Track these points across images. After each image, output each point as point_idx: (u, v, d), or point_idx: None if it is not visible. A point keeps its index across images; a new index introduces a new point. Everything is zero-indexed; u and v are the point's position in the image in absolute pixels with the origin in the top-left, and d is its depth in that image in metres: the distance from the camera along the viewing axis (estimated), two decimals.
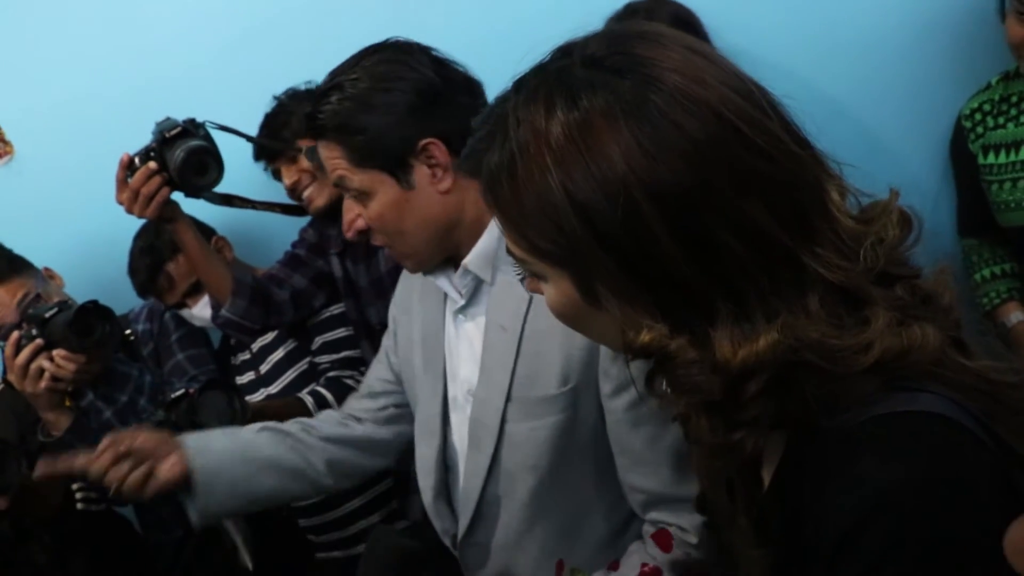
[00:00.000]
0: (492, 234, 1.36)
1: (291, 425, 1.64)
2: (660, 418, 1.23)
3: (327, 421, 1.69)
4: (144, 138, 2.00)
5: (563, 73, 0.78)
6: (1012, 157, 1.96)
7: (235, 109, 2.14)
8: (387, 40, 1.39)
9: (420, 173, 1.35)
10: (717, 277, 0.75)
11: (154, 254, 2.28)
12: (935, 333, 0.76)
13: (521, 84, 0.82)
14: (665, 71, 0.75)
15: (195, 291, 2.30)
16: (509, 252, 0.86)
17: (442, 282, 1.44)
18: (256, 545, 2.33)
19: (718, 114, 0.74)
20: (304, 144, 2.14)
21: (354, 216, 1.43)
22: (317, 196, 2.18)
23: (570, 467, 1.35)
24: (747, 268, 0.74)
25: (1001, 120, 1.98)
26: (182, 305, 2.34)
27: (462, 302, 1.43)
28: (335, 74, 1.37)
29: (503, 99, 0.83)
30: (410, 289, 1.57)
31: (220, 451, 1.56)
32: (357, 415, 1.68)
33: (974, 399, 0.76)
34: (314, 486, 1.63)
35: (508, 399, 1.35)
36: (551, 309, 0.87)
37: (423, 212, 1.36)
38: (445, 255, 1.42)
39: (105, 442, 1.53)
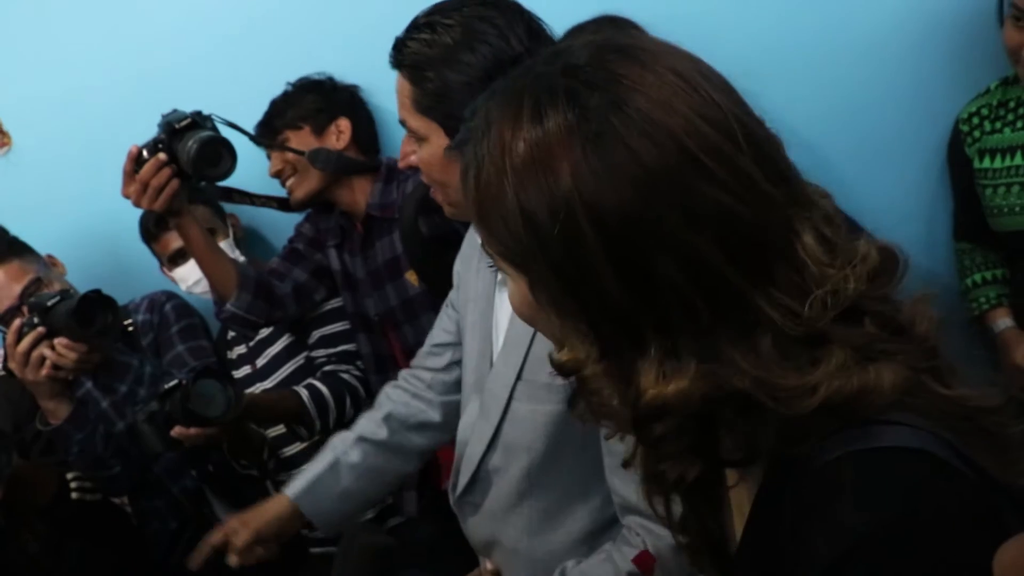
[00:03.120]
0: None
1: (382, 430, 1.71)
2: None
3: (399, 402, 1.73)
4: (143, 129, 2.00)
5: (541, 80, 0.78)
6: (1007, 162, 1.98)
7: (234, 101, 2.15)
8: None
9: None
10: (652, 308, 0.73)
11: None
12: (894, 371, 0.73)
13: (505, 85, 0.81)
14: (634, 92, 0.73)
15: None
16: (481, 245, 0.88)
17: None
18: None
19: (679, 143, 0.72)
20: (289, 135, 2.17)
21: (409, 151, 1.42)
22: (297, 188, 2.19)
23: (562, 456, 1.37)
24: (687, 304, 0.72)
25: (998, 125, 2.00)
26: (174, 263, 2.35)
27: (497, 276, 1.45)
28: (435, 10, 1.36)
29: (491, 94, 0.83)
30: (473, 246, 1.56)
31: (329, 510, 1.72)
32: (422, 377, 1.73)
33: (950, 426, 0.73)
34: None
35: (519, 377, 1.37)
36: (512, 305, 0.88)
37: (449, 170, 1.34)
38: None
39: (228, 530, 1.69)
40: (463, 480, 1.50)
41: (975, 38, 2.07)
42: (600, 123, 0.73)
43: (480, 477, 1.47)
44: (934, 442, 0.71)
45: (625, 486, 1.29)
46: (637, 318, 0.73)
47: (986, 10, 1.96)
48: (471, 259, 1.57)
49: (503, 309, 1.45)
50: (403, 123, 1.39)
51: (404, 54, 1.34)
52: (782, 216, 0.74)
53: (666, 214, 0.71)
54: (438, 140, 1.34)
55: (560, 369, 0.80)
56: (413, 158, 1.41)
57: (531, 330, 1.33)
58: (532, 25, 1.34)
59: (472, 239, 1.60)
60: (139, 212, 2.31)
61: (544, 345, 1.30)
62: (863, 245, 0.77)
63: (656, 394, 0.73)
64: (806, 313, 0.72)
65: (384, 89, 2.20)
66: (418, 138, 1.37)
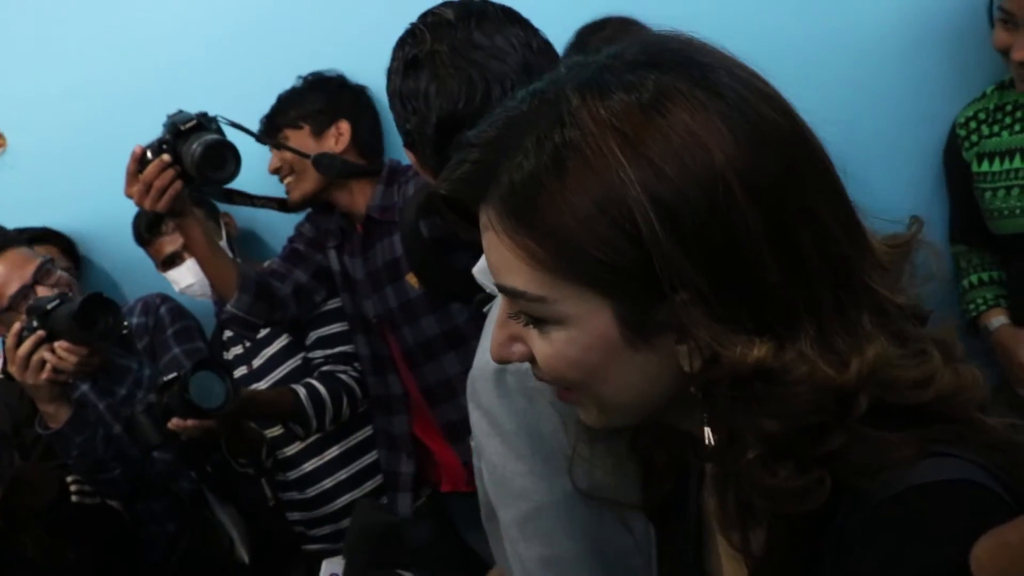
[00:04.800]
0: None
1: None
2: (509, 536, 1.08)
3: None
4: (139, 130, 1.99)
5: (609, 71, 0.69)
6: (1006, 165, 1.99)
7: (230, 101, 2.13)
8: None
9: None
10: (804, 286, 0.67)
11: None
12: (981, 375, 0.70)
13: (545, 90, 0.71)
14: (726, 68, 0.69)
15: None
16: (510, 293, 0.73)
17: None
18: (251, 538, 2.34)
19: (792, 112, 0.69)
20: (288, 134, 2.16)
21: None
22: (295, 188, 2.19)
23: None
24: (825, 279, 0.68)
25: (996, 128, 2.02)
26: (167, 266, 2.34)
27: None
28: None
29: (511, 108, 0.72)
30: None
31: None
32: None
33: (995, 460, 0.70)
34: None
35: None
36: (558, 362, 0.73)
37: None
38: None
39: None
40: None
41: (970, 42, 2.08)
42: (724, 92, 0.67)
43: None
44: (986, 476, 0.68)
45: None
46: (793, 299, 0.67)
47: (981, 14, 1.98)
48: None
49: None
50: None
51: None
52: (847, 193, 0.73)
53: (803, 181, 0.68)
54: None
55: (759, 367, 0.66)
56: None
57: None
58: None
59: None
60: (134, 213, 2.32)
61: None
62: (904, 234, 0.76)
63: (861, 364, 0.66)
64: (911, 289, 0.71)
65: None
66: None
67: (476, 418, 1.08)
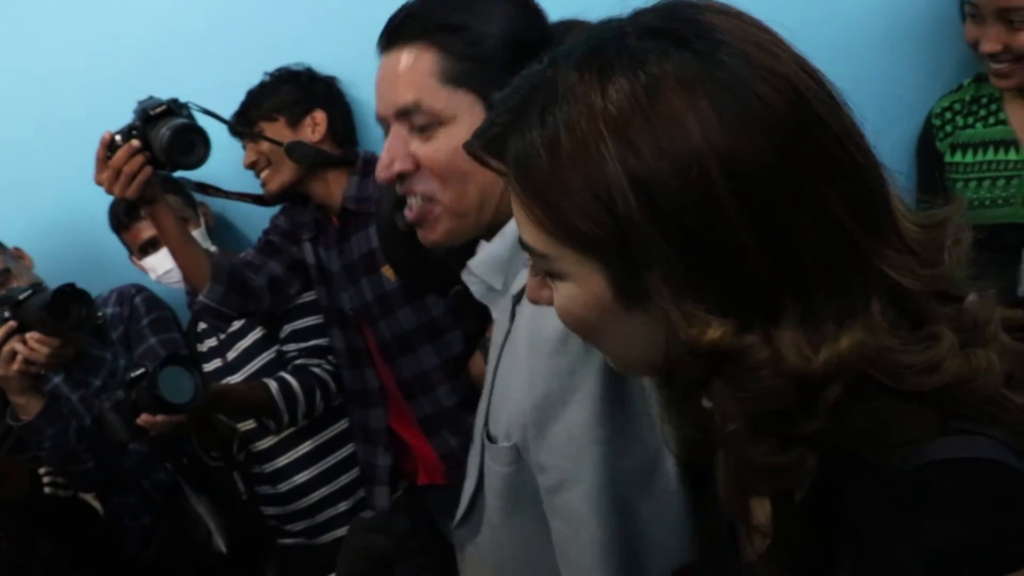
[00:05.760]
0: (504, 241, 1.18)
1: None
2: (572, 517, 1.08)
3: None
4: (113, 119, 1.97)
5: (618, 43, 0.70)
6: (980, 157, 2.00)
7: (209, 90, 2.12)
8: None
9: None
10: (789, 271, 0.67)
11: None
12: (998, 361, 0.69)
13: (561, 56, 0.73)
14: (736, 39, 0.68)
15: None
16: (525, 246, 0.77)
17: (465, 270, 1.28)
18: (227, 530, 2.34)
19: (796, 89, 0.67)
20: (264, 127, 2.14)
21: (402, 153, 1.16)
22: (271, 180, 2.17)
23: (523, 523, 1.19)
24: (820, 263, 0.67)
25: (970, 120, 2.03)
26: (144, 252, 2.33)
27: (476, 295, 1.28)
28: None
29: (539, 70, 0.74)
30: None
31: None
32: None
33: (1018, 437, 0.69)
34: None
35: (485, 424, 1.21)
36: (565, 315, 0.78)
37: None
38: (477, 232, 1.21)
39: None
40: (459, 511, 1.33)
41: (947, 35, 2.08)
42: (721, 69, 0.67)
43: (471, 512, 1.30)
44: (1010, 454, 0.68)
45: (568, 572, 1.11)
46: (775, 283, 0.67)
47: (955, 9, 1.98)
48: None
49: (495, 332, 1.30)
50: (409, 113, 1.14)
51: (418, 19, 1.14)
52: (879, 174, 0.71)
53: (799, 164, 0.67)
54: (471, 117, 1.11)
55: (713, 349, 0.68)
56: (402, 163, 1.15)
57: (491, 378, 1.20)
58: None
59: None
60: (107, 204, 2.29)
61: (497, 399, 1.17)
62: (942, 211, 0.74)
63: (831, 354, 0.66)
64: (940, 269, 0.70)
65: (362, 81, 2.21)
66: (432, 127, 1.13)
67: (547, 387, 1.06)
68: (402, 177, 1.16)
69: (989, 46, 1.85)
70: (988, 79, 2.00)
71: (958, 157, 2.04)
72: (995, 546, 0.64)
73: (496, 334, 1.22)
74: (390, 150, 1.16)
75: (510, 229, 1.17)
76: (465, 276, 1.26)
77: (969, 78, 2.06)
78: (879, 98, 2.18)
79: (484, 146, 0.78)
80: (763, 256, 0.67)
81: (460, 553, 1.37)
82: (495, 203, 1.16)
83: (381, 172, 1.17)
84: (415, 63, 1.13)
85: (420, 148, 1.14)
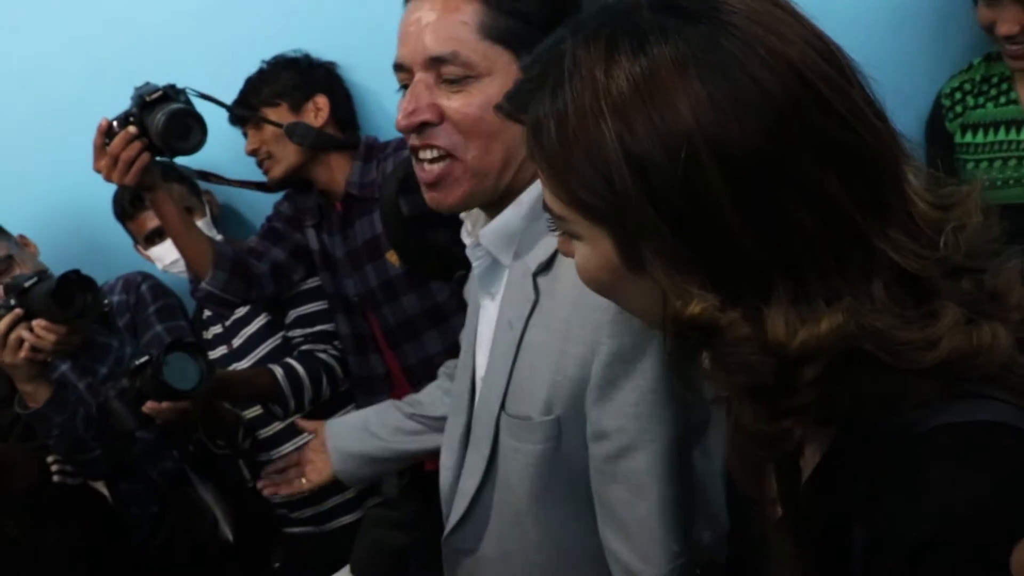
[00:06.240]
0: (518, 211, 1.17)
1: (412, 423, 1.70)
2: (637, 482, 1.08)
3: (435, 400, 1.70)
4: (112, 105, 1.96)
5: (629, 15, 0.72)
6: (991, 137, 1.99)
7: (207, 76, 2.10)
8: None
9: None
10: (779, 250, 0.69)
11: None
12: (1006, 335, 0.70)
13: (580, 26, 0.75)
14: (743, 19, 0.69)
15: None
16: (546, 208, 0.81)
17: (469, 240, 1.25)
18: (233, 517, 2.34)
19: (798, 72, 0.68)
20: (266, 113, 2.13)
21: (426, 102, 1.13)
22: (274, 166, 2.15)
23: (555, 504, 1.18)
24: (813, 244, 0.68)
25: (981, 100, 2.01)
26: (150, 242, 2.32)
27: (476, 272, 1.26)
28: None
29: (558, 40, 0.76)
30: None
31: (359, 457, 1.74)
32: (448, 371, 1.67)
33: None
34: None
35: (502, 407, 1.18)
36: (582, 273, 0.81)
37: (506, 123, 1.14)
38: (492, 197, 1.18)
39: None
40: (453, 519, 1.30)
41: (957, 15, 2.07)
42: (717, 52, 0.68)
43: (473, 515, 1.27)
44: (1020, 416, 0.68)
45: (616, 539, 1.12)
46: (765, 262, 0.69)
47: None
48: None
49: (486, 320, 1.28)
50: (435, 62, 1.11)
51: None
52: (891, 154, 0.72)
53: (792, 148, 0.68)
54: (505, 74, 1.10)
55: (689, 323, 0.71)
56: (427, 113, 1.12)
57: (512, 355, 1.17)
58: None
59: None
60: (111, 190, 2.28)
61: (524, 375, 1.16)
62: (960, 189, 0.74)
63: (808, 335, 0.68)
64: (941, 252, 0.70)
65: (361, 66, 2.19)
66: (464, 80, 1.11)
67: (618, 345, 1.06)
68: (422, 128, 1.13)
69: (1007, 28, 1.84)
70: (998, 59, 1.99)
71: (968, 137, 2.03)
72: (1000, 506, 0.64)
73: (508, 311, 1.20)
74: (414, 98, 1.12)
75: (526, 198, 1.16)
76: (470, 251, 1.24)
77: (979, 57, 2.04)
78: (887, 80, 2.17)
79: (513, 109, 0.81)
80: (752, 236, 0.68)
81: (454, 567, 1.34)
82: (517, 165, 1.15)
83: (402, 120, 1.14)
84: (456, 13, 1.10)
85: (449, 100, 1.12)
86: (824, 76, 0.69)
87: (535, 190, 1.15)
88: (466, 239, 1.27)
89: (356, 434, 1.73)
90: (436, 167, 1.15)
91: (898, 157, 0.72)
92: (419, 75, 1.13)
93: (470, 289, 1.36)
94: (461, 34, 1.10)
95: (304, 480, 1.78)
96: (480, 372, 1.27)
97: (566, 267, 0.92)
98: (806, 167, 0.68)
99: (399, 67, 1.16)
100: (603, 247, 0.76)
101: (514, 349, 1.17)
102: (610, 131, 0.70)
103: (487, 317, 1.27)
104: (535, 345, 1.15)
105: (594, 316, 1.06)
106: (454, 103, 1.12)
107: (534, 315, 1.15)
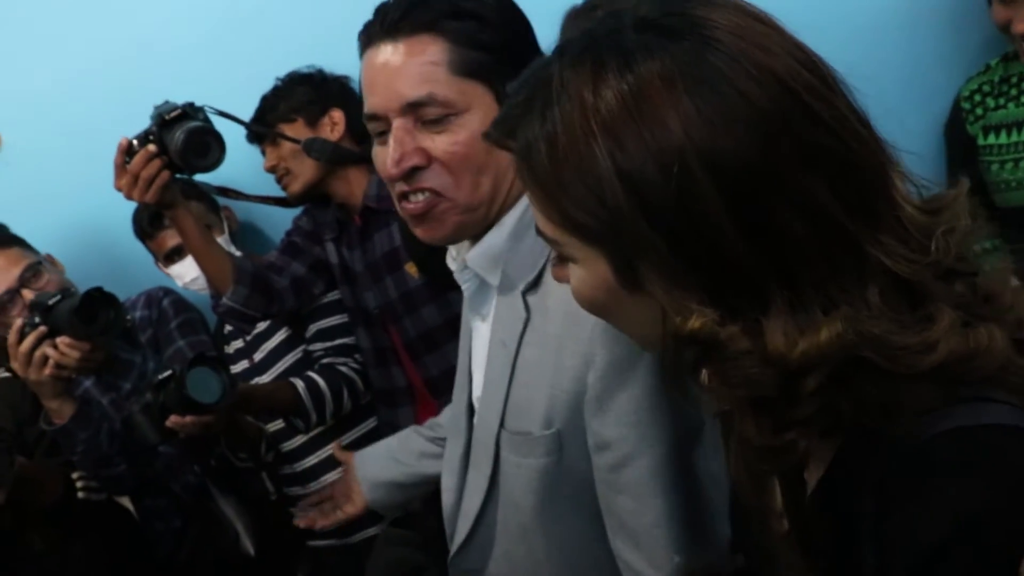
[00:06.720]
0: (501, 233, 1.18)
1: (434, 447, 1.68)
2: (642, 491, 1.09)
3: None
4: (133, 124, 1.98)
5: (614, 36, 0.73)
6: (1014, 137, 1.98)
7: (223, 95, 2.12)
8: None
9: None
10: (774, 261, 0.69)
11: None
12: (1002, 336, 0.70)
13: (565, 49, 0.76)
14: (726, 34, 0.70)
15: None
16: (539, 232, 0.81)
17: (455, 264, 1.27)
18: (255, 531, 2.34)
19: (784, 83, 0.69)
20: (282, 129, 2.14)
21: (411, 147, 1.13)
22: (293, 181, 2.17)
23: (560, 516, 1.18)
24: (807, 253, 0.69)
25: (1002, 101, 2.00)
26: (170, 260, 2.34)
27: (465, 295, 1.28)
28: None
29: (544, 64, 0.77)
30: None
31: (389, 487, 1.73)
32: None
33: None
34: None
35: (501, 424, 1.19)
36: (578, 296, 0.82)
37: (492, 154, 1.10)
38: (482, 227, 1.19)
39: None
40: (458, 539, 1.30)
41: (971, 16, 2.06)
42: (704, 67, 0.69)
43: (477, 535, 1.27)
44: (1022, 417, 0.69)
45: (627, 549, 1.12)
46: (761, 274, 0.70)
47: None
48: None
49: (479, 341, 1.28)
50: (413, 106, 1.11)
51: (422, 8, 1.11)
52: (877, 160, 0.72)
53: (782, 158, 0.68)
54: (483, 107, 1.11)
55: (690, 338, 0.71)
56: (414, 158, 1.13)
57: (508, 373, 1.18)
58: None
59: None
60: (132, 208, 2.31)
61: (521, 392, 1.16)
62: (946, 193, 0.75)
63: (808, 345, 0.68)
64: (932, 255, 0.71)
65: None
66: (444, 120, 1.12)
67: (612, 356, 1.06)
68: (411, 173, 1.14)
69: (1023, 26, 1.83)
70: (1016, 58, 1.98)
71: (991, 139, 2.02)
72: (1013, 513, 0.64)
73: (500, 331, 1.20)
74: (399, 145, 1.13)
75: (508, 220, 1.18)
76: (458, 274, 1.26)
77: (996, 58, 2.03)
78: (902, 82, 2.16)
79: (500, 134, 0.82)
80: (747, 248, 0.69)
81: None
82: (504, 194, 1.16)
83: (391, 169, 1.13)
84: (422, 55, 1.11)
85: (434, 142, 1.13)
86: (809, 86, 0.70)
87: (516, 211, 1.17)
88: (451, 264, 1.28)
89: (382, 463, 1.73)
90: (421, 198, 1.15)
91: (884, 163, 0.73)
92: (397, 122, 1.13)
93: (463, 312, 1.37)
94: (433, 74, 1.11)
95: (340, 512, 1.77)
96: (477, 392, 1.28)
97: (554, 283, 0.92)
98: (796, 176, 0.68)
99: (372, 117, 1.16)
100: (599, 268, 0.77)
101: (509, 368, 1.18)
102: (601, 149, 0.70)
103: (480, 338, 1.28)
104: (530, 362, 1.16)
105: (586, 329, 1.06)
106: (440, 144, 1.12)
107: (527, 333, 1.16)
